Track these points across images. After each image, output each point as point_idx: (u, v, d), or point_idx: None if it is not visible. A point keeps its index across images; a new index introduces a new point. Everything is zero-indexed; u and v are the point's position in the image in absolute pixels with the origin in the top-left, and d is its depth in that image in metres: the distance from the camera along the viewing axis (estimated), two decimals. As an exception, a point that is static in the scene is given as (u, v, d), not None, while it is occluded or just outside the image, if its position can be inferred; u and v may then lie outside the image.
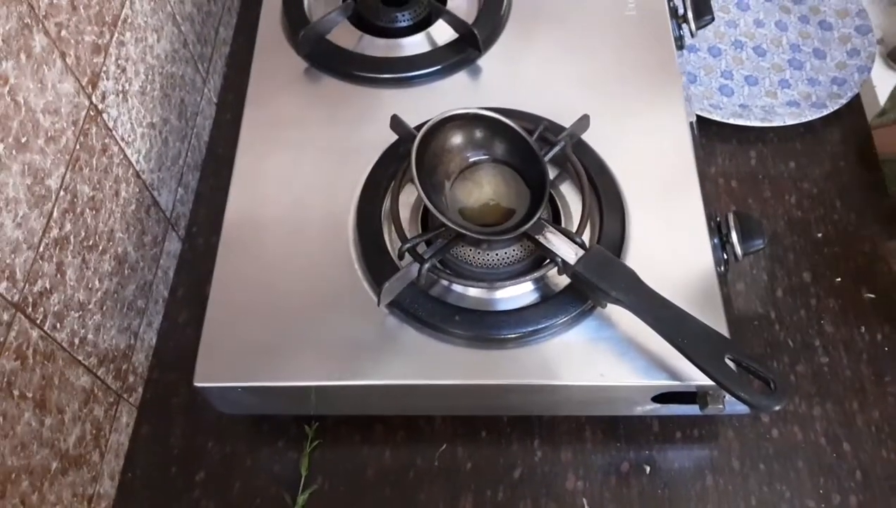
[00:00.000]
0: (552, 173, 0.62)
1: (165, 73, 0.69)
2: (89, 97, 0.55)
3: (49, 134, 0.50)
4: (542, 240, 0.55)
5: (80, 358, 0.54)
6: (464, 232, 0.54)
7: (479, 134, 0.59)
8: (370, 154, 0.65)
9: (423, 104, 0.67)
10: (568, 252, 0.54)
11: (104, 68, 0.57)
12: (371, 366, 0.56)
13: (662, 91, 0.70)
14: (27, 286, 0.47)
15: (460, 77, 0.72)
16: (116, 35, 0.59)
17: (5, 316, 0.45)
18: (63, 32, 0.51)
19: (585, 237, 0.59)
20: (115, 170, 0.59)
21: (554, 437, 0.64)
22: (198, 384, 0.55)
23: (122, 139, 0.60)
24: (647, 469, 0.62)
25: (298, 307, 0.58)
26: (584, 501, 0.61)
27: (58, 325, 0.51)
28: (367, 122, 0.68)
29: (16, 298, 0.46)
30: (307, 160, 0.66)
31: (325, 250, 0.61)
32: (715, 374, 0.49)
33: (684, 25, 0.76)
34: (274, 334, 0.57)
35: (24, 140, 0.47)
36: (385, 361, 0.56)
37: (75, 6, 0.53)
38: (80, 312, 0.54)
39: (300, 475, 0.61)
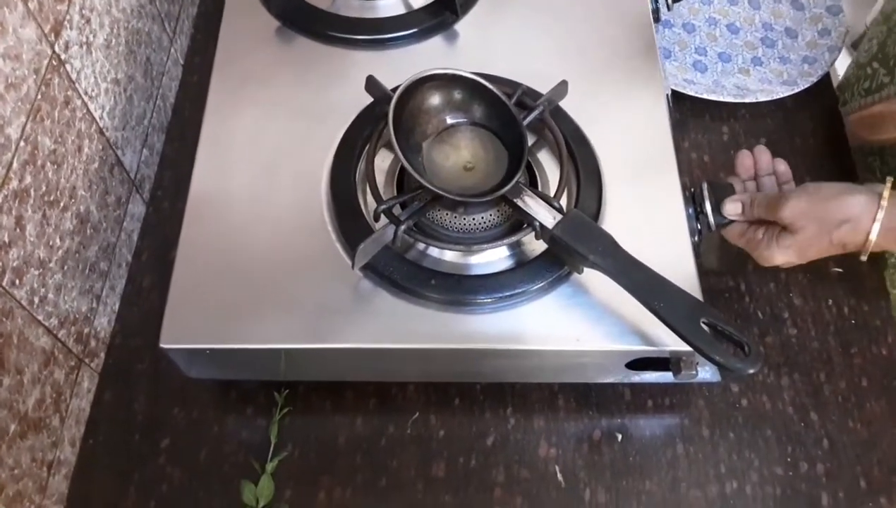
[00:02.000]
0: (530, 139, 0.62)
1: (131, 29, 0.66)
2: (52, 46, 0.52)
3: (9, 80, 0.47)
4: (520, 203, 0.54)
5: (40, 317, 0.52)
6: (441, 193, 0.53)
7: (457, 95, 0.58)
8: (343, 116, 0.64)
9: (398, 67, 0.66)
10: (546, 216, 0.54)
11: (68, 17, 0.54)
12: (344, 329, 0.55)
13: (640, 63, 0.69)
14: (-17, 238, 0.45)
15: (436, 41, 0.71)
16: (80, -18, 0.56)
17: (-40, 268, 0.43)
18: (23, -26, 0.49)
19: (563, 203, 0.58)
20: (77, 125, 0.57)
21: (527, 405, 0.63)
22: (164, 345, 0.53)
23: (86, 93, 0.58)
24: (619, 436, 0.62)
25: (269, 269, 0.57)
26: (557, 468, 0.61)
27: (17, 282, 0.49)
28: (339, 84, 0.66)
29: (-29, 250, 0.44)
30: (278, 121, 0.64)
31: (297, 212, 0.59)
32: (690, 337, 0.49)
33: (661, -1, 0.76)
34: (243, 296, 0.56)
35: (-20, 84, 0.44)
36: (358, 324, 0.55)
37: (36, -52, 0.50)
38: (41, 270, 0.52)
39: (269, 442, 0.60)
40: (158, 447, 0.60)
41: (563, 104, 0.64)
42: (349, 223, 0.58)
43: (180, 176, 0.74)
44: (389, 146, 0.62)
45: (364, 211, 0.59)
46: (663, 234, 0.59)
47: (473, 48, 0.70)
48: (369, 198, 0.59)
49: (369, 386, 0.64)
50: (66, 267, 0.55)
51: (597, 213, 0.59)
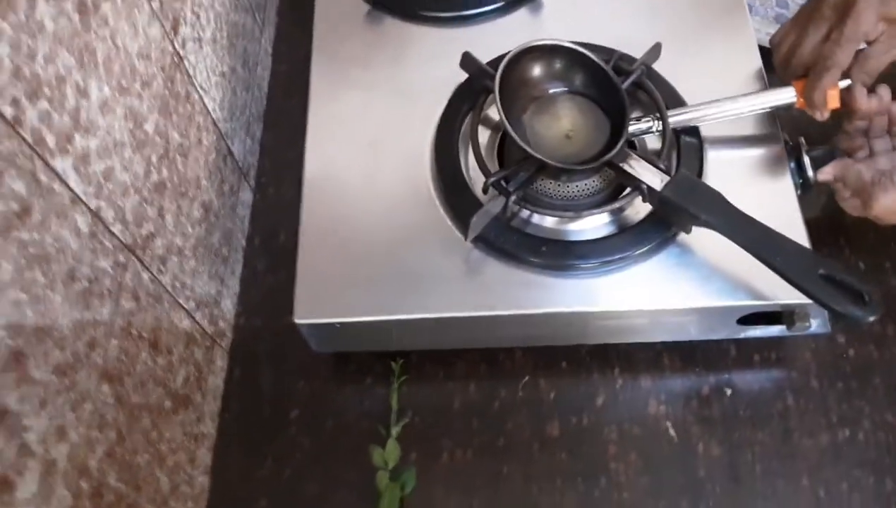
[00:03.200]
0: (626, 104, 0.62)
1: (230, 22, 0.69)
2: (172, 43, 0.55)
3: (143, 78, 0.50)
4: (626, 167, 0.55)
5: (181, 301, 0.56)
6: (548, 162, 0.55)
7: (557, 65, 0.59)
8: (439, 93, 0.66)
9: (486, 42, 0.67)
10: (653, 178, 0.55)
11: (182, 14, 0.57)
12: (460, 299, 0.57)
13: (729, 18, 0.69)
14: (136, 229, 0.49)
15: (521, 14, 0.71)
16: (190, -19, 0.59)
17: (121, 257, 0.47)
18: (148, -23, 0.51)
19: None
20: (196, 119, 0.60)
21: (633, 365, 0.65)
22: (298, 321, 0.56)
23: (201, 87, 0.61)
24: (728, 391, 0.63)
25: (384, 244, 0.59)
26: (668, 424, 0.62)
27: (162, 269, 0.53)
28: (432, 62, 0.68)
29: (129, 240, 0.48)
30: (378, 101, 0.66)
31: (405, 188, 0.62)
32: (811, 289, 0.50)
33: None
34: (364, 272, 0.58)
35: (124, 83, 0.48)
36: (473, 293, 0.57)
37: (156, -49, 0.53)
38: (179, 257, 0.56)
39: (389, 409, 0.63)
40: (288, 418, 0.64)
41: (656, 66, 0.65)
42: (455, 196, 0.60)
43: (280, 162, 0.77)
44: (486, 122, 0.64)
45: (469, 183, 0.61)
46: (767, 191, 0.60)
47: (559, 17, 0.71)
48: (471, 170, 0.61)
49: (477, 353, 0.66)
50: (197, 254, 0.59)
51: (699, 174, 0.60)
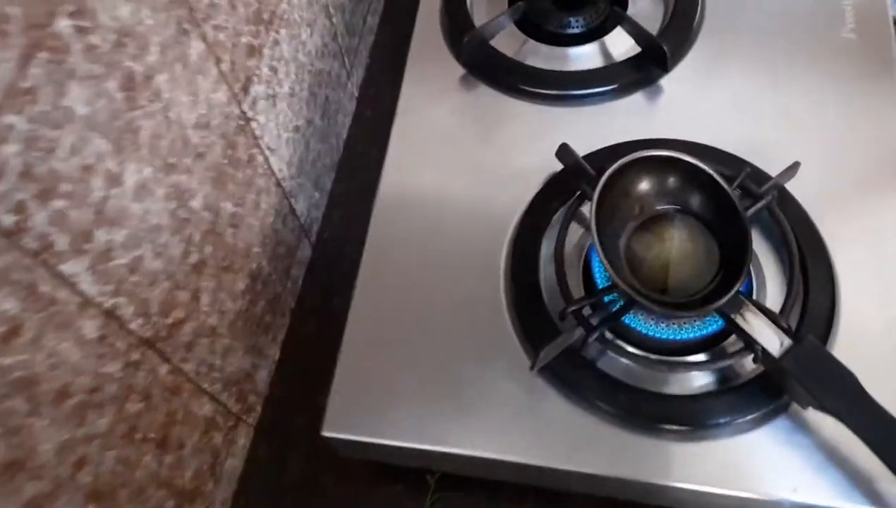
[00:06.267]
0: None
1: (314, 71, 0.63)
2: (239, 105, 0.50)
3: (197, 151, 0.45)
4: (739, 320, 0.46)
5: (205, 386, 0.51)
6: (644, 302, 0.46)
7: (670, 180, 0.50)
8: (529, 181, 0.58)
9: (591, 126, 0.60)
10: (770, 339, 0.45)
11: (257, 72, 0.52)
12: (511, 439, 0.49)
13: (885, 133, 0.58)
14: (161, 318, 0.43)
15: (637, 99, 0.62)
16: (272, 34, 0.53)
17: (136, 356, 0.41)
18: (220, 36, 0.46)
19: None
20: (257, 182, 0.54)
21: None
22: (326, 433, 0.50)
23: (268, 147, 0.55)
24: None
25: (438, 354, 0.52)
26: None
27: (187, 356, 0.47)
28: (527, 143, 0.60)
29: (148, 334, 0.42)
30: (459, 180, 0.59)
31: (472, 287, 0.54)
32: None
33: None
34: (411, 383, 0.51)
35: (172, 161, 0.42)
36: (529, 435, 0.49)
37: (234, 5, 0.48)
38: (210, 338, 0.50)
39: (420, 525, 0.56)
40: (308, 514, 0.58)
41: (792, 185, 0.55)
42: (528, 312, 0.52)
43: (348, 215, 0.71)
44: (580, 219, 0.56)
45: (546, 299, 0.52)
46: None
47: (681, 108, 0.61)
48: (553, 288, 0.53)
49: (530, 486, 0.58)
50: (234, 330, 0.54)
51: (828, 326, 0.49)
